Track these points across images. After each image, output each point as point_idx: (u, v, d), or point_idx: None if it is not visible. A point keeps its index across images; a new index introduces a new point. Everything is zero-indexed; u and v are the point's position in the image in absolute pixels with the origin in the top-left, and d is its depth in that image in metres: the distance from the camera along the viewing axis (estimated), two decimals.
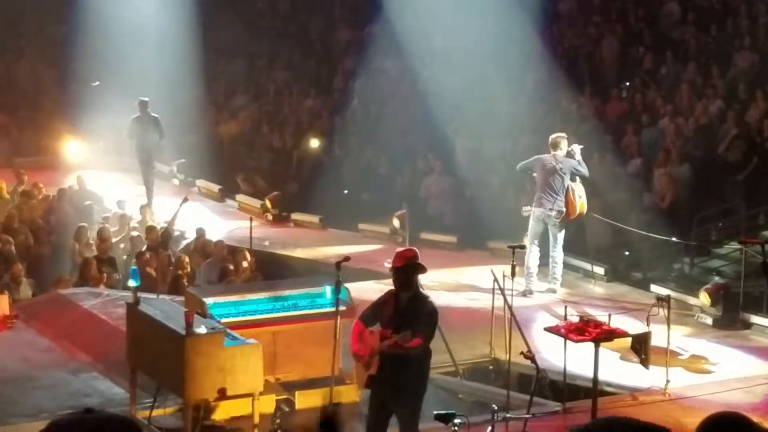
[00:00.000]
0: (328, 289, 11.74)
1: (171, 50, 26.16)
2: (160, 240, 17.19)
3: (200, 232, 18.01)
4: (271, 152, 23.17)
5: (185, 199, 16.86)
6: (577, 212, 15.75)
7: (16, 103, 26.56)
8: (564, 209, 15.54)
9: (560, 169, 15.51)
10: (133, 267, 12.37)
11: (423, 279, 13.21)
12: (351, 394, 11.71)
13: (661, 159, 18.37)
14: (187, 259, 16.35)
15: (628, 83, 21.62)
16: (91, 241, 17.62)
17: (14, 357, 13.24)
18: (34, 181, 20.90)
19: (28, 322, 14.48)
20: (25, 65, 27.79)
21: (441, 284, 16.05)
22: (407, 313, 9.39)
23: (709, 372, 13.15)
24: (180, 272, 15.96)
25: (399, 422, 9.54)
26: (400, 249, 10.00)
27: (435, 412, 8.74)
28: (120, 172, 23.91)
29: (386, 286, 16.03)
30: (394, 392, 9.44)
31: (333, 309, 10.88)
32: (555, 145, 15.67)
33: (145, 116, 20.76)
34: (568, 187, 15.54)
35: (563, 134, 16.01)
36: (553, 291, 15.74)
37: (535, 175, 15.84)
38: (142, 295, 11.82)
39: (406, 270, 9.47)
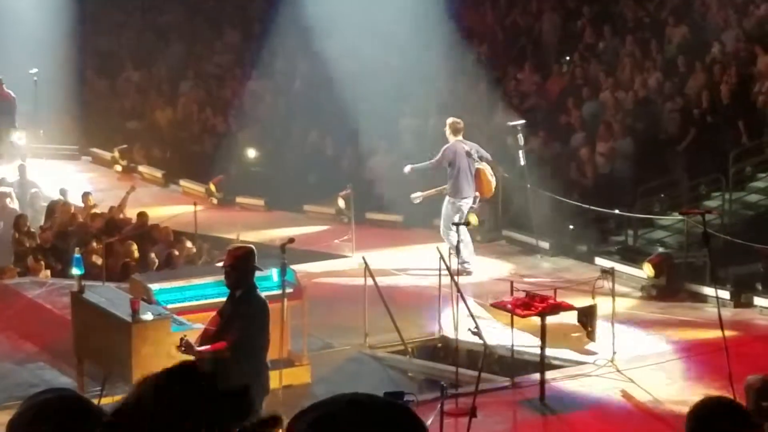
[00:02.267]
0: (274, 272, 11.71)
1: (110, 35, 26.06)
2: (105, 228, 17.11)
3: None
4: (215, 137, 23.06)
5: (132, 188, 16.82)
6: (492, 192, 15.80)
7: None
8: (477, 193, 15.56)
9: (473, 153, 15.53)
10: (77, 255, 12.29)
11: (371, 258, 13.34)
12: (302, 375, 11.74)
13: (603, 132, 18.47)
14: (134, 246, 16.24)
15: (568, 57, 21.70)
16: (33, 230, 17.46)
17: None
18: None
19: None
20: None
21: (387, 263, 16.07)
22: (228, 313, 9.18)
23: (655, 343, 13.28)
24: (127, 259, 15.86)
25: None
26: (233, 247, 9.74)
27: (384, 392, 8.77)
28: (62, 160, 23.74)
29: (332, 266, 16.17)
30: None
31: (280, 291, 10.87)
32: (459, 131, 15.74)
33: None
34: (478, 169, 15.55)
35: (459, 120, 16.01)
36: (470, 273, 15.55)
37: (448, 165, 15.63)
38: (87, 283, 11.78)
39: (235, 268, 9.14)
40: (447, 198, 15.62)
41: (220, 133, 23.08)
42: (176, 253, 16.06)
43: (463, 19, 22.87)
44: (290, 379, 11.19)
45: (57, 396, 2.65)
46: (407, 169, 16.10)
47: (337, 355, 12.98)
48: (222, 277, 11.77)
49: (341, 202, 18.36)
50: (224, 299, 11.51)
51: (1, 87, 21.75)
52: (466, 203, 15.50)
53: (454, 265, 13.04)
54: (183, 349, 8.90)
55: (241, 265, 9.08)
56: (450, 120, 15.92)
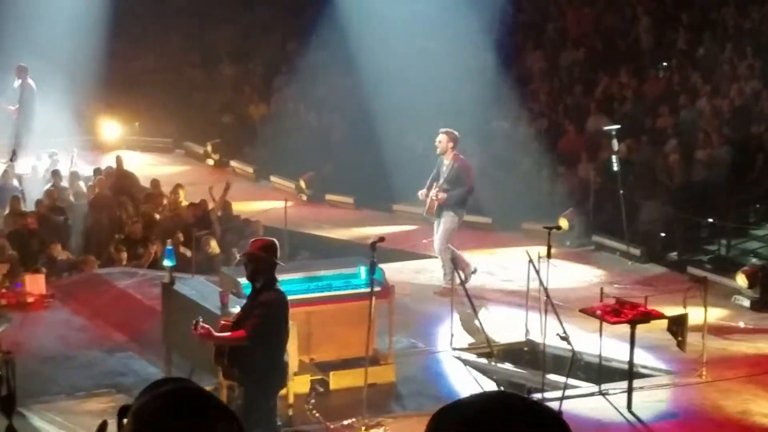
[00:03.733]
0: (362, 270, 11.73)
1: (209, 29, 26.28)
2: (196, 221, 17.24)
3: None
4: (307, 133, 23.11)
5: (228, 185, 16.95)
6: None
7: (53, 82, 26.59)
8: None
9: None
10: (169, 247, 12.43)
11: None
12: (386, 374, 11.72)
13: (701, 140, 18.20)
14: (214, 241, 16.37)
15: (665, 63, 21.43)
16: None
17: (51, 336, 13.32)
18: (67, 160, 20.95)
19: (65, 302, 14.56)
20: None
21: (476, 265, 15.97)
22: (248, 305, 9.25)
23: (746, 354, 13.05)
24: (211, 252, 15.99)
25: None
26: (254, 239, 9.75)
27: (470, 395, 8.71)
28: (156, 153, 24.00)
29: (421, 266, 16.12)
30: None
31: (367, 290, 10.87)
32: (457, 143, 14.82)
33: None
34: None
35: None
36: (475, 271, 15.05)
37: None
38: (177, 275, 11.88)
39: (252, 260, 9.14)
40: (458, 211, 14.70)
41: (313, 129, 23.14)
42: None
43: (559, 23, 22.70)
44: (375, 377, 11.17)
45: (182, 387, 2.63)
46: (434, 194, 14.64)
47: (423, 355, 12.94)
48: (311, 273, 11.92)
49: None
50: (312, 294, 11.63)
51: (25, 77, 21.85)
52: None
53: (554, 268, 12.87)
54: (199, 332, 8.90)
55: (258, 257, 9.07)
56: (450, 131, 14.73)
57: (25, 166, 20.88)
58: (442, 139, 14.67)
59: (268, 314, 8.98)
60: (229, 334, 9.03)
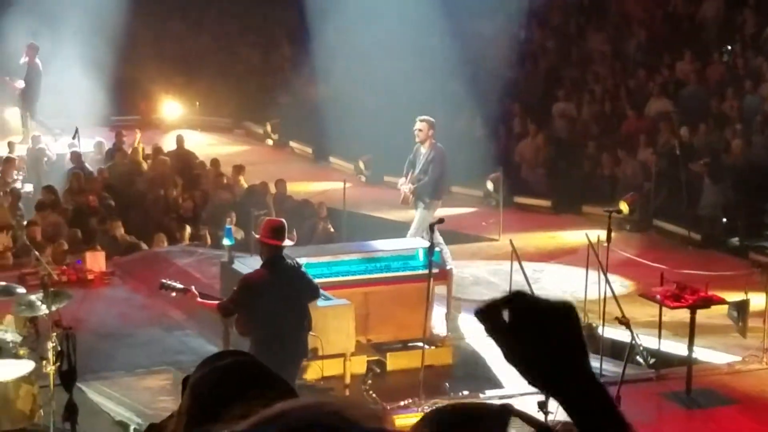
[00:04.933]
0: (420, 252, 11.70)
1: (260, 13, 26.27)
2: (252, 200, 17.28)
3: None
4: (365, 114, 23.09)
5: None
6: None
7: (114, 62, 26.76)
8: None
9: None
10: (228, 226, 12.47)
11: (518, 242, 13.21)
12: (443, 356, 11.70)
13: (762, 125, 17.98)
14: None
15: (729, 47, 21.16)
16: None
17: (111, 313, 13.42)
18: (131, 139, 21.10)
19: (124, 279, 14.67)
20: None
21: (535, 248, 15.91)
22: None
23: None
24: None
25: None
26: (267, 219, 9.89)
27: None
28: (216, 133, 24.11)
29: (479, 249, 16.08)
30: None
31: (425, 271, 10.84)
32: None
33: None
34: None
35: None
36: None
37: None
38: (236, 254, 11.92)
39: (259, 239, 9.40)
40: (428, 201, 13.96)
41: (372, 111, 23.11)
42: (330, 228, 16.18)
43: (622, 5, 22.49)
44: (431, 359, 11.15)
45: (241, 360, 2.61)
46: (407, 188, 14.02)
47: (479, 337, 12.88)
48: (369, 254, 11.93)
49: (490, 185, 18.25)
50: (370, 275, 11.64)
51: (34, 56, 21.95)
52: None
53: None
54: (189, 294, 9.50)
55: (262, 237, 9.21)
56: (428, 119, 14.02)
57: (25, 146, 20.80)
58: (422, 128, 13.84)
59: (239, 290, 9.14)
60: (205, 301, 9.48)
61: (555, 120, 20.54)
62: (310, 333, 9.52)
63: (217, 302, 9.39)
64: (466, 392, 11.17)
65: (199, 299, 9.48)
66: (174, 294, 9.68)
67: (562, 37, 22.68)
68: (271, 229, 9.19)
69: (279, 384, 2.54)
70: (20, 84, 21.84)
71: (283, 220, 9.54)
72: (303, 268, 9.53)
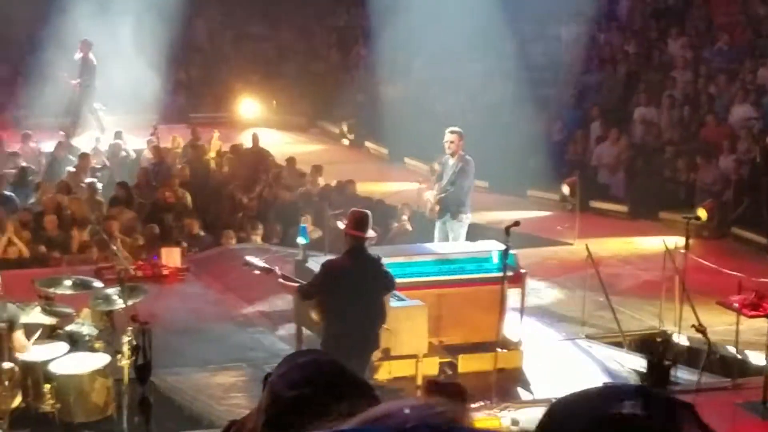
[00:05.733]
0: (495, 254, 11.63)
1: (345, 10, 26.33)
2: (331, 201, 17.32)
3: None
4: (439, 116, 23.04)
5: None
6: None
7: (193, 61, 27.04)
8: None
9: None
10: (302, 225, 12.50)
11: (593, 247, 13.09)
12: (515, 359, 11.62)
13: None
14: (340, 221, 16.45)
15: None
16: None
17: (185, 308, 13.51)
18: (209, 136, 21.25)
19: (199, 275, 14.75)
20: (201, 24, 28.25)
21: (610, 253, 15.76)
22: None
23: None
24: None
25: None
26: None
27: (604, 382, 8.58)
28: (292, 132, 24.20)
29: (554, 253, 15.95)
30: None
31: (500, 274, 10.77)
32: None
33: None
34: None
35: None
36: None
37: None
38: (310, 252, 11.94)
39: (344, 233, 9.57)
40: (463, 216, 13.44)
41: (447, 113, 23.05)
42: (407, 226, 16.18)
43: (704, 10, 22.21)
44: (504, 362, 11.08)
45: (320, 359, 2.59)
46: (431, 197, 13.68)
47: (552, 341, 12.79)
48: (443, 256, 11.88)
49: (566, 189, 18.10)
50: (444, 277, 11.60)
51: (88, 51, 22.12)
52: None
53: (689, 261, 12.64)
54: (249, 269, 9.88)
55: (347, 228, 9.38)
56: (459, 131, 13.56)
57: (84, 141, 21.04)
58: (454, 140, 13.38)
59: (319, 274, 9.39)
60: (290, 283, 9.64)
61: (635, 125, 20.33)
62: (384, 327, 9.55)
63: (297, 284, 9.52)
64: (537, 397, 11.09)
65: (280, 279, 9.60)
66: (257, 272, 9.85)
67: (642, 42, 22.46)
68: (355, 220, 9.31)
69: (354, 384, 2.51)
70: (74, 81, 22.05)
71: (368, 212, 9.60)
72: (382, 261, 9.55)
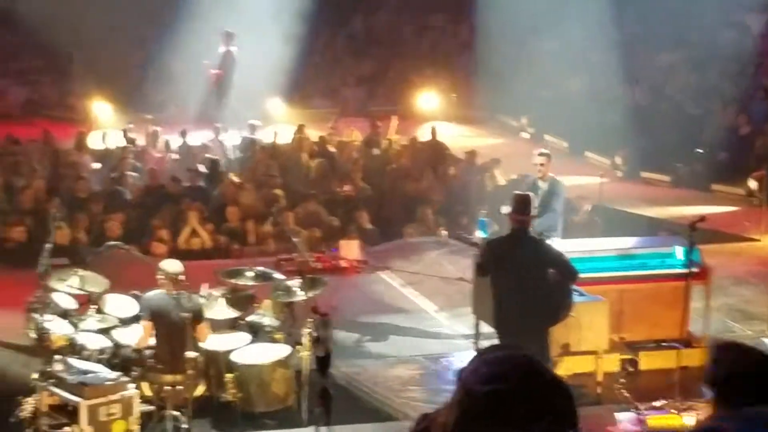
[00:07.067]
0: (678, 250, 11.35)
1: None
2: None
3: None
4: (623, 108, 22.67)
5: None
6: None
7: (373, 53, 27.20)
8: None
9: None
10: (482, 218, 12.39)
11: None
12: (699, 357, 11.30)
13: None
14: None
15: None
16: None
17: (363, 301, 13.57)
18: (387, 123, 21.34)
19: (377, 268, 14.81)
20: (382, 17, 28.40)
21: None
22: None
23: None
24: None
25: None
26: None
27: None
28: (470, 125, 24.14)
29: (740, 249, 15.50)
30: None
31: (683, 270, 10.50)
32: None
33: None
34: None
35: None
36: None
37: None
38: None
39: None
40: (554, 235, 12.27)
41: (630, 105, 22.67)
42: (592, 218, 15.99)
43: None
44: (688, 360, 10.77)
45: (512, 355, 2.54)
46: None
47: (739, 340, 12.39)
48: (625, 251, 11.66)
49: (753, 184, 17.60)
50: (625, 273, 11.39)
51: (230, 44, 22.18)
52: None
53: None
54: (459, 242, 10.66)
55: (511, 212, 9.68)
56: (549, 153, 13.02)
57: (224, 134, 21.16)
58: (545, 162, 12.68)
59: (482, 251, 10.16)
60: None
61: None
62: (567, 311, 9.68)
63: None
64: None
65: None
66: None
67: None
68: (515, 202, 9.59)
69: (554, 383, 2.45)
70: (215, 72, 22.26)
71: (529, 194, 9.85)
72: (547, 242, 9.72)
